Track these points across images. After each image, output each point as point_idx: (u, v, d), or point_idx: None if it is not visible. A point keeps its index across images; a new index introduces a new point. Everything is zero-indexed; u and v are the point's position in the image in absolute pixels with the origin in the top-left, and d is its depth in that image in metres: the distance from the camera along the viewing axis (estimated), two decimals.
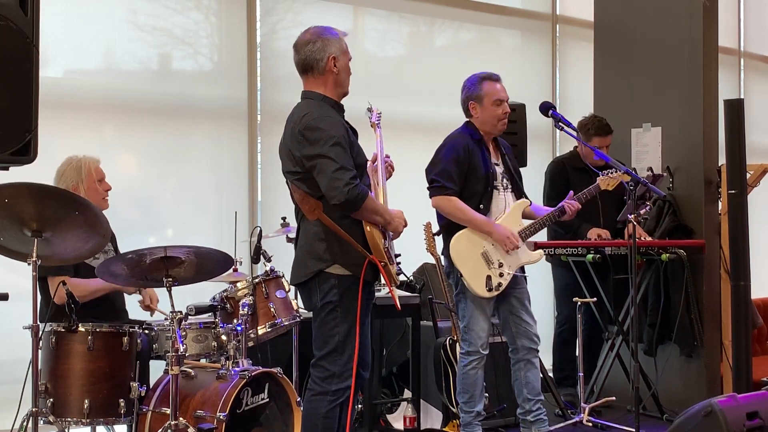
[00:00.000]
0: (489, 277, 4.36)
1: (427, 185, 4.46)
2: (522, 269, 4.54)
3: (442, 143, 4.50)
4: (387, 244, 3.70)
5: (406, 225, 3.78)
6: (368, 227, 3.59)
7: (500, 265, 4.39)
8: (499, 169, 4.49)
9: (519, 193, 4.54)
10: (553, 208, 4.52)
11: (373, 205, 3.60)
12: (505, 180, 4.49)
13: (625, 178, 4.47)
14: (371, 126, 3.88)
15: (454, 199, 4.37)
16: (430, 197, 4.44)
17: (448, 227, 4.45)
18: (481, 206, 4.39)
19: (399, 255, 4.10)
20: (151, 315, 4.38)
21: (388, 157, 3.88)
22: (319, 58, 3.64)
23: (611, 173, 4.54)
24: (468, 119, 4.53)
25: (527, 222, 4.51)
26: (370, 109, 3.89)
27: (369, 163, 3.80)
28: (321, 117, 3.56)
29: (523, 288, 4.52)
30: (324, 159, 3.49)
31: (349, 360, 3.60)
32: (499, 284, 4.38)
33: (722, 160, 5.31)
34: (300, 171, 3.59)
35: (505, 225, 4.40)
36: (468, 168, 4.38)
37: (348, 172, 3.49)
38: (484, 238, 4.38)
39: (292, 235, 4.72)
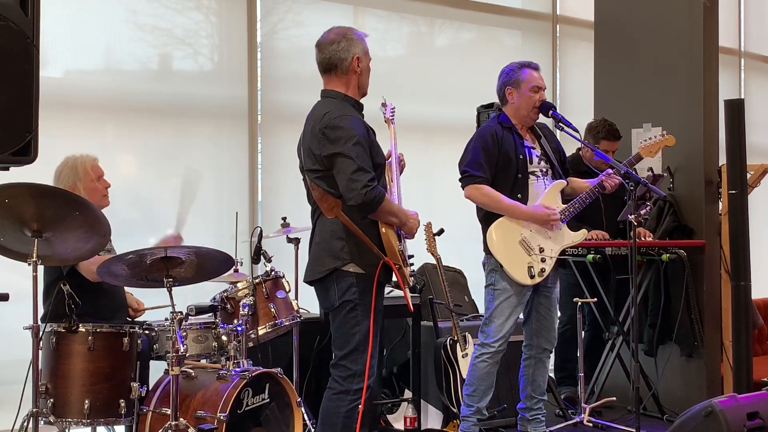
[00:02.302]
0: (530, 265, 4.30)
1: (459, 178, 4.40)
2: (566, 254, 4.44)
3: (472, 136, 4.45)
4: (401, 246, 3.70)
5: (419, 225, 3.79)
6: (383, 228, 3.59)
7: (541, 251, 4.32)
8: (536, 152, 4.39)
9: (559, 176, 4.44)
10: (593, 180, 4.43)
11: (389, 206, 3.60)
12: (543, 163, 4.39)
13: (669, 143, 4.43)
14: (385, 121, 3.89)
15: (483, 187, 4.30)
16: (462, 188, 4.38)
17: (486, 219, 4.37)
18: (519, 195, 4.31)
19: (412, 256, 4.10)
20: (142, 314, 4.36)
21: (401, 155, 3.88)
22: (344, 58, 3.65)
23: (649, 139, 4.52)
24: (502, 108, 4.47)
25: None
26: (384, 104, 3.88)
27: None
28: (342, 116, 3.55)
29: (554, 287, 4.47)
30: (344, 158, 3.49)
31: (371, 359, 3.60)
32: (542, 270, 4.32)
33: (722, 160, 5.31)
34: (320, 169, 3.59)
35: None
36: (499, 155, 4.31)
37: (366, 173, 3.48)
38: (520, 226, 4.31)
39: (293, 235, 4.74)
